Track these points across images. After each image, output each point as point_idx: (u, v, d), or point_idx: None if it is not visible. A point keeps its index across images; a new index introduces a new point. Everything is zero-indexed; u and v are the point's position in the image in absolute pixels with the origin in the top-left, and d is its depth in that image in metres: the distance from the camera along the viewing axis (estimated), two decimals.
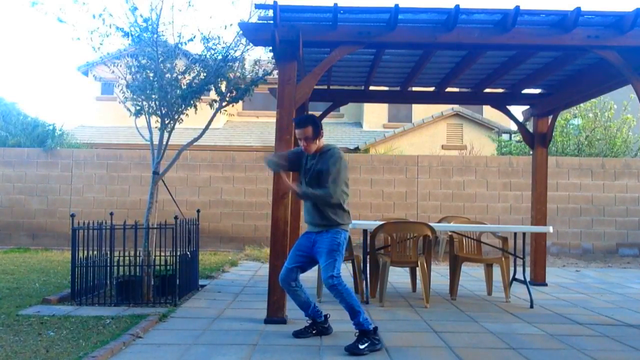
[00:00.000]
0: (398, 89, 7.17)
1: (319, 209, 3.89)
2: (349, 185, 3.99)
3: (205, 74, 5.54)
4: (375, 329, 3.80)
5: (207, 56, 5.55)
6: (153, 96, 5.30)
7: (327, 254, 3.84)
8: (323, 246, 3.87)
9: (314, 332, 4.07)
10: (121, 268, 5.23)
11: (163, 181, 5.70)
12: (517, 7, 4.42)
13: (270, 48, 4.94)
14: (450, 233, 6.02)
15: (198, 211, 6.29)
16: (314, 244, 3.94)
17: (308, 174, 3.94)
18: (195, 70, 5.62)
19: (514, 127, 15.63)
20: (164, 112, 5.39)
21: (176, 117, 5.48)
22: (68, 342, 3.76)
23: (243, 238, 10.46)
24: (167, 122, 5.46)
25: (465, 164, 10.61)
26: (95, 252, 5.20)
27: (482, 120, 16.67)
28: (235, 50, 5.60)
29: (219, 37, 5.52)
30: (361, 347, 3.63)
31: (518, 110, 13.28)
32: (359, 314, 3.76)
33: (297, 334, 4.04)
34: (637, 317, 5.02)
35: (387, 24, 4.61)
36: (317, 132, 3.90)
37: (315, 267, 4.16)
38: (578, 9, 4.44)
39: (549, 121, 7.06)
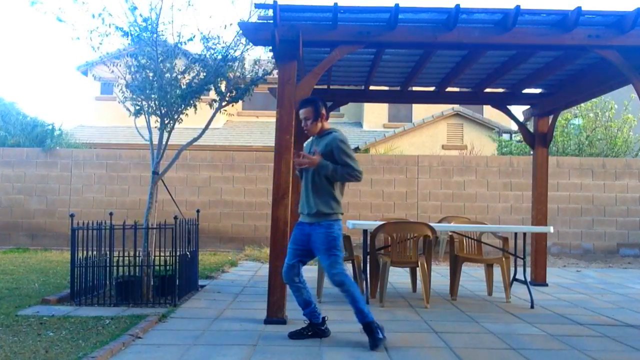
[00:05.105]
0: (398, 88, 7.16)
1: (311, 198, 3.89)
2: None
3: (204, 74, 5.52)
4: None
5: (207, 56, 5.54)
6: (152, 96, 5.29)
7: (326, 252, 3.83)
8: (319, 243, 3.85)
9: (309, 333, 4.03)
10: (121, 268, 5.22)
11: (163, 181, 5.69)
12: (518, 7, 4.41)
13: (270, 48, 4.92)
14: (450, 233, 6.01)
15: (198, 211, 6.27)
16: (308, 238, 3.93)
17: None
18: (195, 70, 5.61)
19: (514, 127, 15.63)
20: (163, 111, 5.37)
21: (176, 117, 5.47)
22: (67, 343, 3.75)
23: (243, 238, 10.45)
24: (166, 122, 5.45)
25: (466, 164, 10.60)
26: (94, 253, 5.19)
27: (482, 120, 16.66)
28: (235, 50, 5.59)
29: (218, 36, 5.52)
30: (380, 336, 3.76)
31: (518, 110, 13.28)
32: (364, 308, 3.82)
33: (292, 335, 4.01)
34: (637, 318, 5.00)
35: (387, 23, 4.60)
36: (318, 114, 3.96)
37: (315, 269, 4.14)
38: (579, 8, 4.43)
39: (550, 121, 7.04)
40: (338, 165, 3.83)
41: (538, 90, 7.26)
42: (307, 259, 4.06)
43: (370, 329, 3.78)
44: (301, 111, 4.03)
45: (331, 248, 3.83)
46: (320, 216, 3.87)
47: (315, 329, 4.04)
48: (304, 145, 4.25)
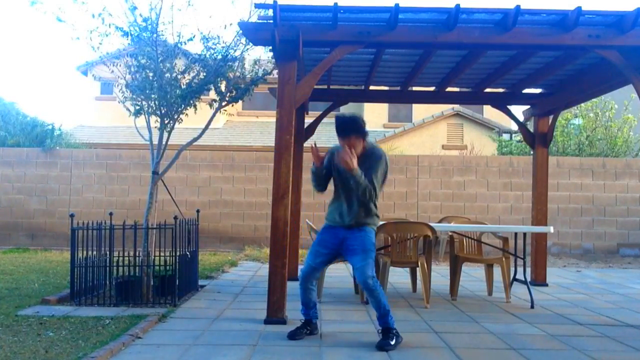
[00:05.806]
0: (398, 88, 7.15)
1: (355, 211, 3.87)
2: (382, 189, 4.01)
3: (204, 74, 5.52)
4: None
5: (207, 56, 5.54)
6: (152, 96, 5.29)
7: (363, 253, 3.83)
8: (357, 245, 3.85)
9: (306, 332, 4.06)
10: (120, 268, 5.22)
11: (162, 181, 5.69)
12: (518, 7, 4.41)
13: (270, 48, 4.92)
14: (450, 233, 6.01)
15: (198, 211, 6.27)
16: (342, 241, 3.91)
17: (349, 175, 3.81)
18: (195, 70, 5.60)
19: (514, 127, 15.63)
20: (163, 111, 5.37)
21: (176, 117, 5.47)
22: (67, 343, 3.74)
23: (243, 238, 10.45)
24: (166, 122, 5.44)
25: (466, 164, 10.60)
26: (94, 253, 5.19)
27: (482, 120, 16.66)
28: (235, 50, 5.59)
29: (218, 36, 5.51)
30: (392, 342, 3.76)
31: (519, 110, 13.28)
32: (388, 313, 3.84)
33: (292, 336, 4.00)
34: (637, 318, 5.00)
35: (387, 23, 4.60)
36: (364, 136, 3.87)
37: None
38: (579, 8, 4.43)
39: (550, 121, 7.04)
40: (365, 179, 3.77)
41: (538, 90, 7.26)
42: (330, 263, 4.14)
43: (389, 333, 3.81)
44: (342, 140, 3.80)
45: (368, 250, 3.84)
46: (360, 224, 3.91)
47: (311, 327, 4.10)
48: (328, 150, 4.11)
